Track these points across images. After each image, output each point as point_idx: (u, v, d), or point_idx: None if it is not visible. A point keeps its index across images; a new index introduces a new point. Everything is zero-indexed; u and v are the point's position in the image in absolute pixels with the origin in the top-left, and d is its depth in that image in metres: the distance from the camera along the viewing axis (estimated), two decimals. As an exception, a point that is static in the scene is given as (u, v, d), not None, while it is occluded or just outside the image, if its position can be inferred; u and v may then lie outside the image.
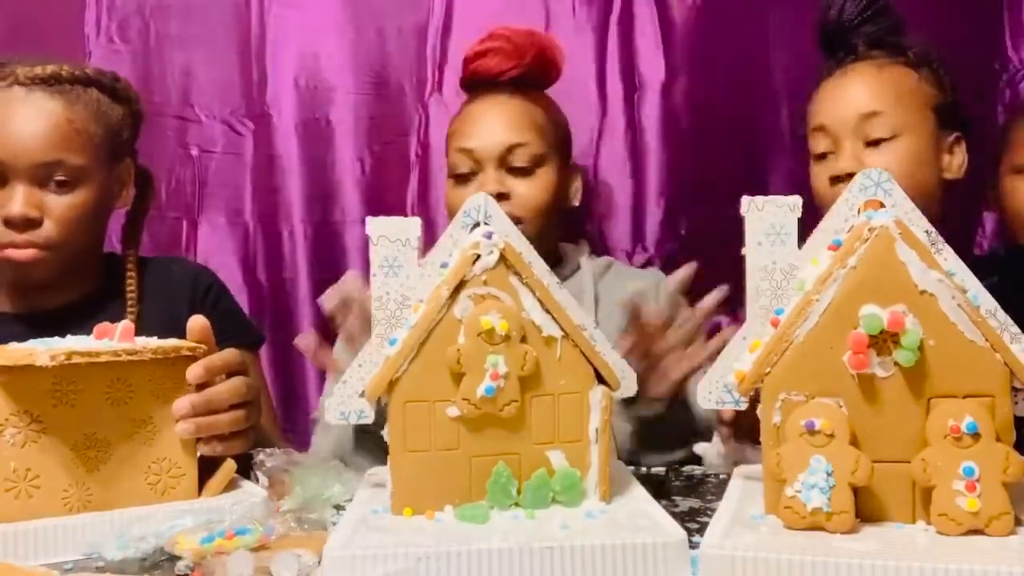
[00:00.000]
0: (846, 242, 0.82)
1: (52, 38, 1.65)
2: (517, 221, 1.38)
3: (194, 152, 1.70)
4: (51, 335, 0.99)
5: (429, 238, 0.93)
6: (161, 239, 1.68)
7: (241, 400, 0.99)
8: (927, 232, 0.84)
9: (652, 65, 1.69)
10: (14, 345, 0.91)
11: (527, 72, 1.47)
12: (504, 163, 1.43)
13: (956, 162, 1.36)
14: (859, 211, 0.85)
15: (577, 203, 1.54)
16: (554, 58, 1.51)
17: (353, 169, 1.72)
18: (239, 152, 1.72)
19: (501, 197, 1.40)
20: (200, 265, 1.51)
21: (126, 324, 0.93)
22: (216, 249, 1.71)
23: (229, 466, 0.96)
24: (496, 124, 1.44)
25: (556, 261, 1.50)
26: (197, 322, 0.98)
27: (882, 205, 0.85)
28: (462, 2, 1.71)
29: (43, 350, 0.86)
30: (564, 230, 1.55)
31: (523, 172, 1.43)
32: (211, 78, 1.71)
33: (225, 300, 1.42)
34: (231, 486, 0.97)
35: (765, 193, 0.88)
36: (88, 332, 0.98)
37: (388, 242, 0.91)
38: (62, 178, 1.24)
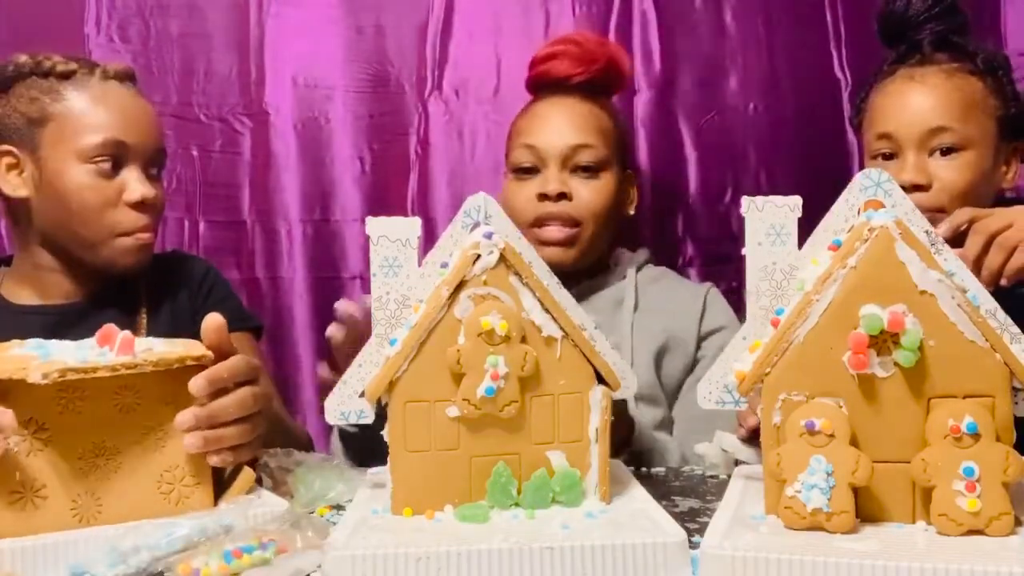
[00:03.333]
0: (846, 242, 0.82)
1: (52, 37, 1.64)
2: (575, 223, 1.39)
3: (194, 152, 1.70)
4: (69, 328, 1.05)
5: (429, 238, 0.93)
6: (162, 239, 1.68)
7: (247, 413, 0.93)
8: (927, 232, 0.84)
9: (650, 68, 1.69)
10: (14, 352, 0.88)
11: (595, 78, 1.47)
12: (567, 163, 1.42)
13: (1011, 173, 1.33)
14: (859, 211, 0.85)
15: (632, 212, 1.52)
16: (622, 67, 1.51)
17: (352, 168, 1.71)
18: (238, 151, 1.71)
19: (562, 197, 1.40)
20: (194, 256, 1.51)
21: (125, 336, 0.87)
22: (215, 248, 1.70)
23: (248, 475, 0.93)
24: (562, 124, 1.43)
25: (604, 267, 1.49)
26: (213, 321, 0.93)
27: (882, 205, 0.85)
28: (462, 1, 1.71)
29: (37, 364, 0.82)
30: (621, 236, 1.53)
31: (586, 174, 1.42)
32: (210, 77, 1.71)
33: (220, 287, 1.42)
34: (249, 494, 0.93)
35: (765, 194, 0.88)
36: (96, 329, 0.92)
37: (388, 242, 0.91)
38: (160, 166, 1.32)
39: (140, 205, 1.25)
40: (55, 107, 1.25)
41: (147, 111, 1.31)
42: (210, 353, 0.90)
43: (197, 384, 0.88)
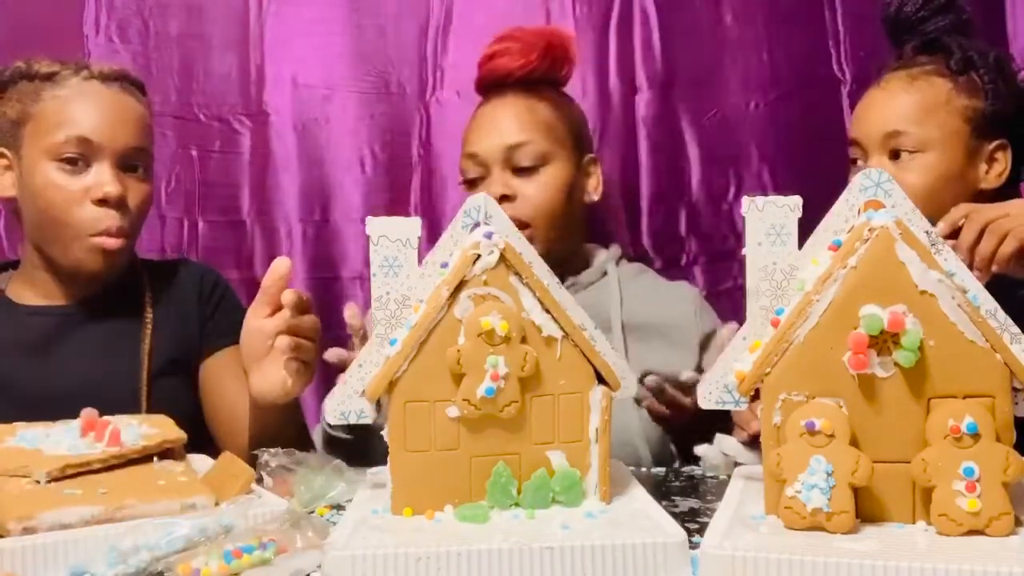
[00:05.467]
0: (846, 242, 0.82)
1: (51, 37, 1.65)
2: (524, 225, 1.36)
3: (193, 152, 1.70)
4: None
5: (430, 238, 0.93)
6: (161, 239, 1.68)
7: (315, 337, 1.10)
8: (927, 232, 0.84)
9: (652, 65, 1.69)
10: (10, 444, 0.95)
11: (535, 70, 1.45)
12: (508, 164, 1.41)
13: (995, 171, 1.32)
14: (859, 211, 0.85)
15: (597, 197, 1.49)
16: (564, 53, 1.48)
17: (352, 168, 1.71)
18: (238, 151, 1.71)
19: (505, 199, 1.38)
20: (205, 265, 1.51)
21: (114, 429, 0.95)
22: (215, 248, 1.70)
23: (248, 475, 0.95)
24: (498, 125, 1.43)
25: (582, 264, 1.48)
26: (282, 266, 1.07)
27: (883, 206, 0.85)
28: (462, 1, 1.71)
29: (39, 461, 0.90)
30: (589, 231, 1.53)
31: (528, 171, 1.41)
32: (210, 77, 1.71)
33: (230, 298, 1.43)
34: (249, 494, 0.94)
35: (765, 193, 0.88)
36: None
37: (388, 242, 0.91)
38: (141, 165, 1.31)
39: (105, 202, 1.25)
40: (34, 107, 1.27)
41: (127, 110, 1.30)
42: (183, 435, 1.01)
43: (290, 297, 1.06)
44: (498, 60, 1.45)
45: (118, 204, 1.25)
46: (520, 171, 1.41)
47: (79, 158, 1.25)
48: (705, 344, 1.42)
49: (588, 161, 1.49)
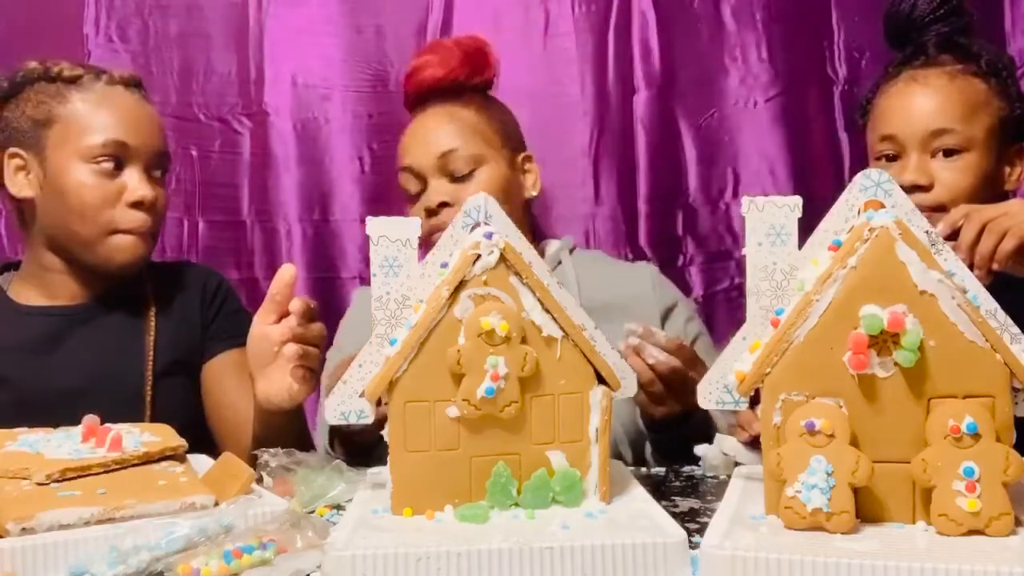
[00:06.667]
0: (846, 242, 0.82)
1: (51, 37, 1.65)
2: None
3: (193, 152, 1.70)
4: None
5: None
6: (162, 239, 1.68)
7: (321, 344, 1.10)
8: (927, 232, 0.84)
9: (650, 66, 1.69)
10: (10, 448, 0.95)
11: (457, 78, 1.46)
12: (444, 172, 1.42)
13: (1016, 174, 1.33)
14: (859, 211, 0.85)
15: (535, 193, 1.50)
16: (483, 59, 1.49)
17: (352, 168, 1.72)
18: (237, 151, 1.72)
19: (444, 206, 1.39)
20: (208, 267, 1.52)
21: (115, 435, 0.95)
22: (214, 248, 1.70)
23: (248, 475, 0.95)
24: (427, 136, 1.44)
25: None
26: (287, 273, 1.08)
27: (882, 206, 0.85)
28: (461, 1, 1.71)
29: (39, 464, 0.90)
30: (537, 229, 1.53)
31: (463, 177, 1.41)
32: (209, 77, 1.71)
33: (232, 300, 1.44)
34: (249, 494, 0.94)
35: (763, 193, 0.88)
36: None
37: (388, 242, 0.91)
38: (163, 170, 1.35)
39: (139, 205, 1.27)
40: (60, 109, 1.28)
41: (150, 115, 1.33)
42: (184, 443, 0.99)
43: (298, 306, 1.07)
44: (421, 74, 1.47)
45: (150, 207, 1.29)
46: (457, 178, 1.42)
47: (114, 160, 1.27)
48: (666, 316, 1.43)
49: (523, 159, 1.50)
